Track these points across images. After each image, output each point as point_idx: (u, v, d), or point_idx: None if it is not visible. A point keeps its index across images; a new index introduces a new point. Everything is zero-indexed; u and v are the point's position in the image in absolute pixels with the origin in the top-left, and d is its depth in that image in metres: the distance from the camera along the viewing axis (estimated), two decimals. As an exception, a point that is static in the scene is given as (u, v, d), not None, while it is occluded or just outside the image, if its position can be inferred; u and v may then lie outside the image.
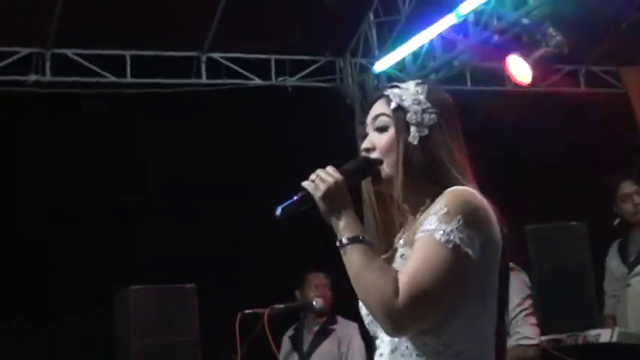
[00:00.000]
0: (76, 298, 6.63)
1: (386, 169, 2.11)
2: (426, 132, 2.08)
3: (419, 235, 1.98)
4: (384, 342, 2.07)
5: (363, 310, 2.10)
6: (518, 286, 4.40)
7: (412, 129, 2.08)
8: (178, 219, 7.26)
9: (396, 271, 1.96)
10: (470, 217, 1.97)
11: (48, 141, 7.20)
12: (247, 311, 4.57)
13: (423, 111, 2.10)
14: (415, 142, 2.08)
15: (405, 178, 2.07)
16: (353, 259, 1.98)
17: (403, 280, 1.92)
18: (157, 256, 6.85)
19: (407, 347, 2.00)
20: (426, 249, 1.95)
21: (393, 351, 2.03)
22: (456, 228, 1.94)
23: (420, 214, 2.08)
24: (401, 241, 2.11)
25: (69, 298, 6.69)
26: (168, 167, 7.36)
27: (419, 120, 2.09)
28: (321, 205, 2.03)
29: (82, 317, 6.53)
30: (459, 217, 1.95)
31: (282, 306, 4.72)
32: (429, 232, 1.95)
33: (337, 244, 2.02)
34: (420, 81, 2.18)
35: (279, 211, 2.04)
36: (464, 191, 2.02)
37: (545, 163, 7.89)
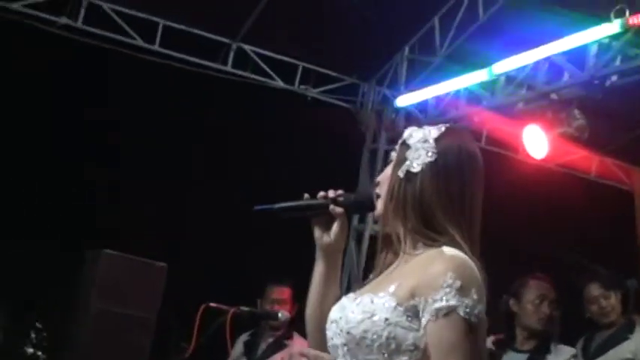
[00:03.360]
0: (48, 247, 6.59)
1: (380, 203, 2.12)
2: (416, 168, 2.07)
3: (437, 306, 1.94)
4: None
5: (329, 332, 2.09)
6: None
7: (405, 163, 2.08)
8: (171, 199, 7.23)
9: None
10: (479, 291, 1.98)
11: (60, 87, 7.16)
12: (212, 304, 4.55)
13: (423, 149, 2.08)
14: (402, 175, 2.07)
15: (389, 209, 2.08)
16: None
17: None
18: (140, 227, 6.81)
19: None
20: (454, 330, 1.94)
21: None
22: (474, 302, 1.95)
23: (410, 257, 2.06)
24: (387, 275, 2.09)
25: (41, 245, 6.63)
26: (171, 144, 7.32)
27: (415, 156, 2.08)
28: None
29: (48, 267, 6.49)
30: (474, 290, 1.96)
31: (247, 309, 4.69)
32: (450, 308, 1.94)
33: None
34: (444, 125, 2.16)
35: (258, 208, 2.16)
36: (466, 260, 2.00)
37: (530, 241, 7.86)
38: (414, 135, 2.12)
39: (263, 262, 6.74)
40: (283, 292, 5.76)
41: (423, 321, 1.95)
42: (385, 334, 1.95)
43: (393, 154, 2.16)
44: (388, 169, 2.15)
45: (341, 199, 2.20)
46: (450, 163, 2.07)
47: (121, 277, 5.37)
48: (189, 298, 4.70)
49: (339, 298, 2.15)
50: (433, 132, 2.11)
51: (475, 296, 1.95)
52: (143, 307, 5.41)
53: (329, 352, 2.10)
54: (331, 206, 2.19)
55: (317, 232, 2.22)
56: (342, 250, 2.25)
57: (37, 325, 5.73)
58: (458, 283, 1.94)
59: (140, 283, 5.40)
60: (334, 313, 2.08)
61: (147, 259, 5.53)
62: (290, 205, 2.20)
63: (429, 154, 2.07)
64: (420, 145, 2.09)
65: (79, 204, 6.96)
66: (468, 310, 1.93)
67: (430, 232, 2.03)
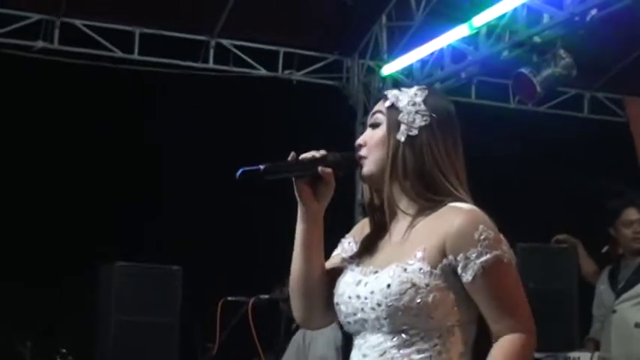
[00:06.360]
0: (61, 269, 6.60)
1: (369, 165, 2.14)
2: (415, 132, 2.12)
3: (482, 259, 2.00)
4: (367, 342, 2.07)
5: (348, 309, 2.09)
6: None
7: (402, 127, 2.12)
8: (174, 202, 7.23)
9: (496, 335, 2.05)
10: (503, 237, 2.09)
11: (49, 109, 7.17)
12: (230, 298, 4.53)
13: (416, 112, 2.13)
14: (402, 140, 2.11)
15: (393, 174, 2.11)
16: None
17: (510, 322, 2.04)
18: (148, 235, 6.82)
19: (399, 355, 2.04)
20: (506, 275, 2.04)
21: (381, 355, 2.04)
22: (507, 246, 2.06)
23: (419, 217, 2.09)
24: (402, 242, 2.10)
25: (54, 268, 6.66)
26: (167, 149, 7.33)
27: (410, 120, 2.12)
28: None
29: (64, 288, 6.50)
30: (502, 237, 2.06)
31: (266, 297, 4.68)
32: (496, 258, 2.01)
33: None
34: (423, 87, 2.21)
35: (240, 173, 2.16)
36: (482, 213, 2.08)
37: (540, 183, 7.88)
38: (400, 98, 2.16)
39: (273, 251, 6.73)
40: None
41: (467, 276, 2.01)
42: (430, 299, 2.00)
43: (380, 117, 2.17)
44: (372, 132, 2.16)
45: (328, 158, 2.16)
46: (442, 124, 2.14)
47: (136, 285, 5.40)
48: (207, 297, 4.70)
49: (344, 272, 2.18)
50: (419, 94, 2.16)
51: (505, 240, 2.05)
52: (164, 312, 5.44)
53: (322, 319, 2.22)
54: (320, 168, 2.15)
55: (303, 194, 2.17)
56: (324, 210, 2.21)
57: (62, 350, 5.74)
58: (492, 234, 2.02)
59: (157, 289, 5.43)
60: (354, 289, 2.09)
61: (161, 264, 5.55)
62: (277, 164, 2.16)
63: (424, 117, 2.12)
64: (411, 109, 2.13)
65: (85, 219, 6.98)
66: (507, 254, 2.04)
67: (431, 194, 2.09)
